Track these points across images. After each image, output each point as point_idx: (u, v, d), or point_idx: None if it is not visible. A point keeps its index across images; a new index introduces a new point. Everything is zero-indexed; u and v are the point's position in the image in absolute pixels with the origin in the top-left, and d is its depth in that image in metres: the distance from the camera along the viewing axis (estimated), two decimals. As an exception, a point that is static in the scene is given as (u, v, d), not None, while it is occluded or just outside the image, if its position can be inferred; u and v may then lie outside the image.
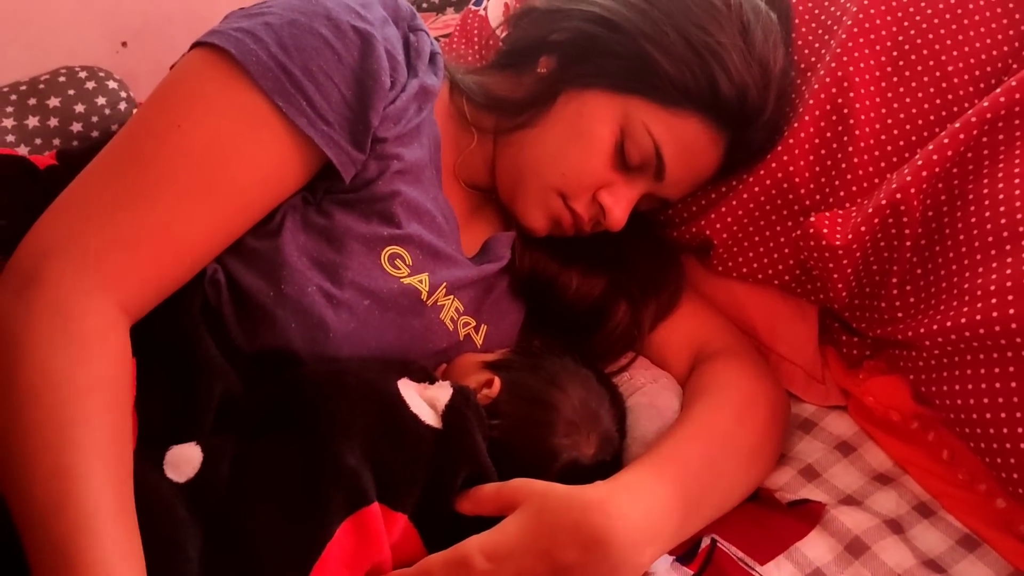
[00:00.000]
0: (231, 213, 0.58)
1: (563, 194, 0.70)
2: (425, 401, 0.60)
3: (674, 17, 0.67)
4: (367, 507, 0.54)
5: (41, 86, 0.87)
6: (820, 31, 0.78)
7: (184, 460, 0.54)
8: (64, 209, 0.55)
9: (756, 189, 0.75)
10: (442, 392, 0.60)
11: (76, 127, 0.86)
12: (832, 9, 0.78)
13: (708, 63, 0.67)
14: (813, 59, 0.77)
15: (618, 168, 0.70)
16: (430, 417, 0.59)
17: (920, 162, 0.67)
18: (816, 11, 0.79)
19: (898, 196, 0.66)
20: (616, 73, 0.68)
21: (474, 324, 0.71)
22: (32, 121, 0.85)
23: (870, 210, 0.68)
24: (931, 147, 0.67)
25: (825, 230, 0.70)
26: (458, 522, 0.57)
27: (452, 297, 0.68)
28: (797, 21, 0.79)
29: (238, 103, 0.57)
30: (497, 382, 0.64)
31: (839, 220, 0.70)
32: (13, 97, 0.86)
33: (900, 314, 0.69)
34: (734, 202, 0.77)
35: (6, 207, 0.62)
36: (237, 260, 0.60)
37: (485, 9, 0.99)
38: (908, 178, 0.66)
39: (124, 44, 0.99)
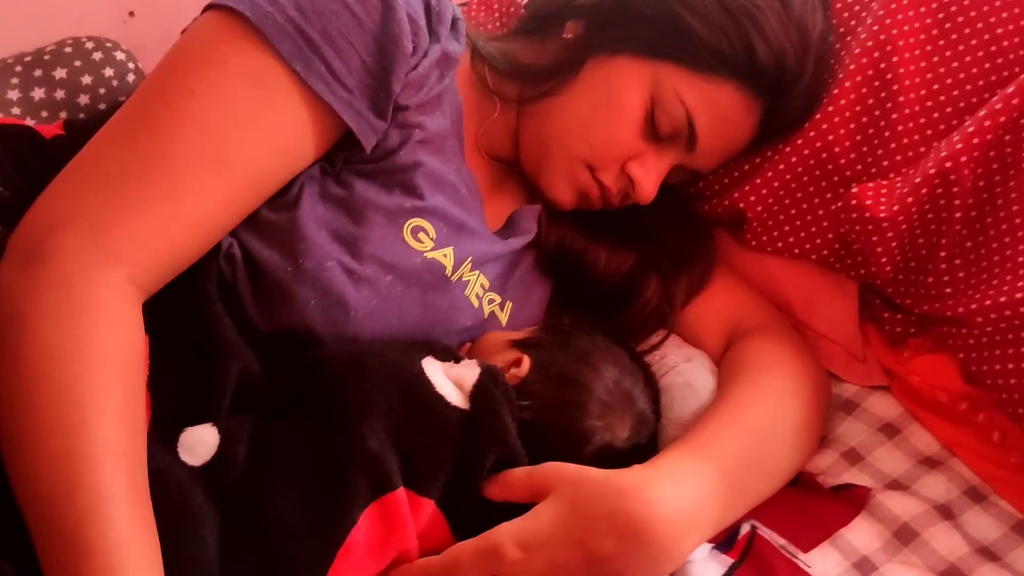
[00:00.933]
0: (246, 183, 0.56)
1: (591, 165, 0.68)
2: (451, 381, 0.57)
3: None
4: (392, 492, 0.52)
5: (46, 57, 0.84)
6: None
7: (199, 442, 0.52)
8: (71, 180, 0.53)
9: (794, 159, 0.72)
10: (469, 371, 0.57)
11: (83, 99, 0.83)
12: (871, -29, 0.74)
13: (744, 26, 0.63)
14: (853, 23, 0.74)
15: (648, 138, 0.67)
16: (457, 398, 0.56)
17: (971, 129, 0.63)
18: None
19: (948, 165, 0.63)
20: (646, 38, 0.65)
21: (499, 301, 0.69)
22: (38, 93, 0.82)
23: (917, 180, 0.64)
24: (982, 113, 0.63)
25: (868, 201, 0.66)
26: (487, 508, 0.55)
27: (477, 273, 0.65)
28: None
29: (254, 68, 0.54)
30: (526, 361, 0.61)
31: (883, 191, 0.67)
32: (18, 68, 0.83)
33: (949, 289, 0.65)
34: (770, 173, 0.73)
35: (10, 178, 0.59)
36: (253, 234, 0.58)
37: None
38: (958, 145, 0.63)
39: (131, 14, 0.95)
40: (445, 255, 0.62)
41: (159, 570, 0.45)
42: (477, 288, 0.65)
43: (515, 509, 0.53)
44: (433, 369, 0.57)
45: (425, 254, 0.61)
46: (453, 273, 0.63)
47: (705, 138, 0.67)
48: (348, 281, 0.57)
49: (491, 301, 0.68)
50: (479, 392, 0.56)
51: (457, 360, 0.60)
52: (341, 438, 0.52)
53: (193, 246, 0.55)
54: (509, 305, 0.69)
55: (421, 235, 0.61)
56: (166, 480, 0.49)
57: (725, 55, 0.64)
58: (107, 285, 0.50)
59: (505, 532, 0.51)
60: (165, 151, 0.53)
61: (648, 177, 0.68)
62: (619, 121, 0.66)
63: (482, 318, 0.67)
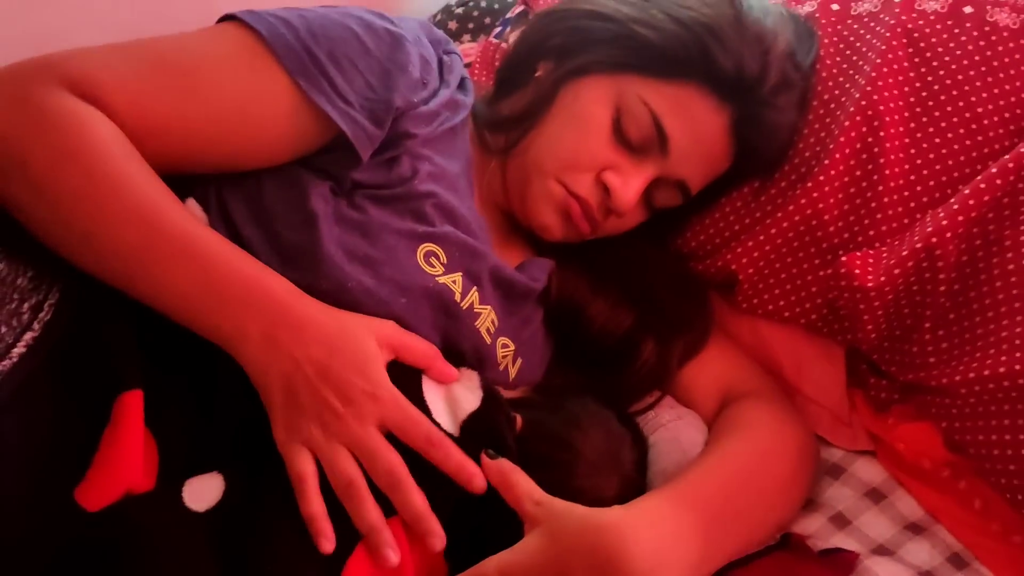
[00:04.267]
0: (234, 127, 0.59)
1: (562, 179, 0.69)
2: (451, 401, 0.58)
3: (663, 3, 0.69)
4: None
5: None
6: (845, 65, 0.77)
7: (206, 489, 0.52)
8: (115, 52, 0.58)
9: (784, 224, 0.74)
10: (471, 396, 0.58)
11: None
12: (857, 44, 0.78)
13: (698, 33, 0.67)
14: (837, 92, 0.76)
15: (620, 147, 0.69)
16: (450, 423, 0.56)
17: (956, 206, 0.66)
18: (841, 45, 0.78)
19: (933, 240, 0.65)
20: (607, 55, 0.69)
21: (512, 350, 0.69)
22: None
23: (904, 252, 0.67)
24: (967, 191, 0.66)
25: (857, 270, 0.69)
26: (480, 540, 0.56)
27: (489, 308, 0.66)
28: (822, 53, 0.78)
29: (260, 77, 0.59)
30: (519, 420, 0.62)
31: (871, 260, 0.69)
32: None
33: (932, 359, 0.67)
34: (761, 236, 0.75)
35: None
36: (274, 256, 0.58)
37: (506, 40, 0.97)
38: (944, 222, 0.66)
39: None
40: (454, 281, 0.63)
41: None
42: (488, 323, 0.66)
43: (506, 541, 0.54)
44: (433, 390, 0.57)
45: (437, 278, 0.62)
46: (463, 300, 0.63)
47: (676, 138, 0.68)
48: (367, 301, 0.58)
49: (505, 347, 0.68)
50: (480, 422, 0.56)
51: (459, 365, 0.60)
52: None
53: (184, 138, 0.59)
54: (520, 362, 0.70)
55: (433, 260, 0.63)
56: (171, 528, 0.49)
57: (681, 59, 0.67)
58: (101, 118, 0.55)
59: (492, 564, 0.53)
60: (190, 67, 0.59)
61: (625, 186, 0.68)
62: (586, 132, 0.68)
63: (493, 357, 0.67)
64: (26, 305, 0.54)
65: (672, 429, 0.70)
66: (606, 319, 0.73)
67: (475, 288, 0.64)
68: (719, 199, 0.78)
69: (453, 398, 0.58)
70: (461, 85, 0.69)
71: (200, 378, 0.56)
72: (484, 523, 0.56)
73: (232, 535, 0.51)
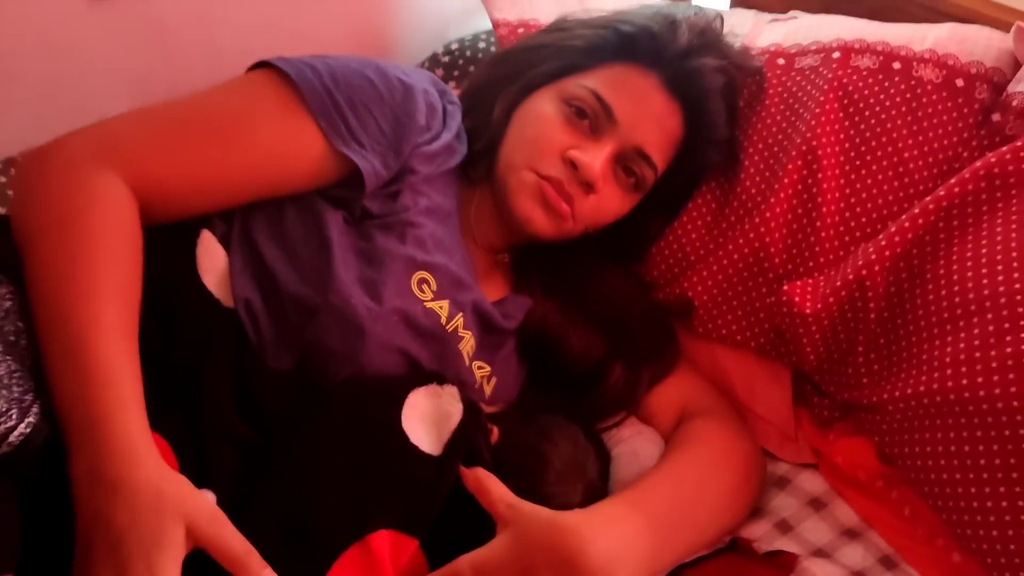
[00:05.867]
0: (254, 162, 0.67)
1: (532, 167, 0.76)
2: (433, 420, 0.63)
3: (577, 21, 0.84)
4: (368, 536, 0.57)
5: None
6: (788, 113, 0.85)
7: None
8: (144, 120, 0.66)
9: (735, 256, 0.81)
10: (453, 409, 0.63)
11: None
12: (799, 95, 0.85)
13: (610, 21, 0.81)
14: (780, 137, 0.84)
15: (576, 131, 0.77)
16: (432, 444, 0.62)
17: (883, 242, 0.73)
18: (785, 95, 0.86)
19: (864, 272, 0.73)
20: (543, 72, 0.80)
21: (488, 371, 0.75)
22: None
23: (838, 283, 0.74)
24: (893, 229, 0.73)
25: (797, 298, 0.76)
26: (456, 546, 0.60)
27: (470, 334, 0.72)
28: (768, 103, 0.86)
29: (290, 119, 0.67)
30: (495, 432, 0.68)
31: (810, 289, 0.76)
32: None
33: (865, 380, 0.75)
34: (714, 266, 0.82)
35: None
36: (293, 273, 0.66)
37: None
38: (872, 256, 0.73)
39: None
40: (441, 307, 0.70)
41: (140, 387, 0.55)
42: (468, 348, 0.73)
43: (481, 541, 0.60)
44: (413, 416, 0.62)
45: (425, 303, 0.69)
46: (448, 323, 0.70)
47: (618, 105, 0.76)
48: (367, 317, 0.65)
49: (480, 368, 0.75)
50: (460, 440, 0.62)
51: (441, 381, 0.65)
52: (309, 493, 0.58)
53: (191, 181, 0.65)
54: (494, 380, 0.77)
55: (424, 286, 0.70)
56: None
57: (597, 46, 0.79)
58: (104, 180, 0.61)
59: (465, 561, 0.59)
60: (196, 126, 0.66)
61: (588, 156, 0.75)
62: (542, 125, 0.77)
63: (471, 378, 0.73)
64: None
65: (632, 443, 0.77)
66: (582, 348, 0.79)
67: (460, 314, 0.71)
68: (692, 195, 0.85)
69: (441, 412, 0.63)
70: (458, 134, 0.77)
71: (191, 413, 0.61)
72: (460, 524, 0.61)
73: None
